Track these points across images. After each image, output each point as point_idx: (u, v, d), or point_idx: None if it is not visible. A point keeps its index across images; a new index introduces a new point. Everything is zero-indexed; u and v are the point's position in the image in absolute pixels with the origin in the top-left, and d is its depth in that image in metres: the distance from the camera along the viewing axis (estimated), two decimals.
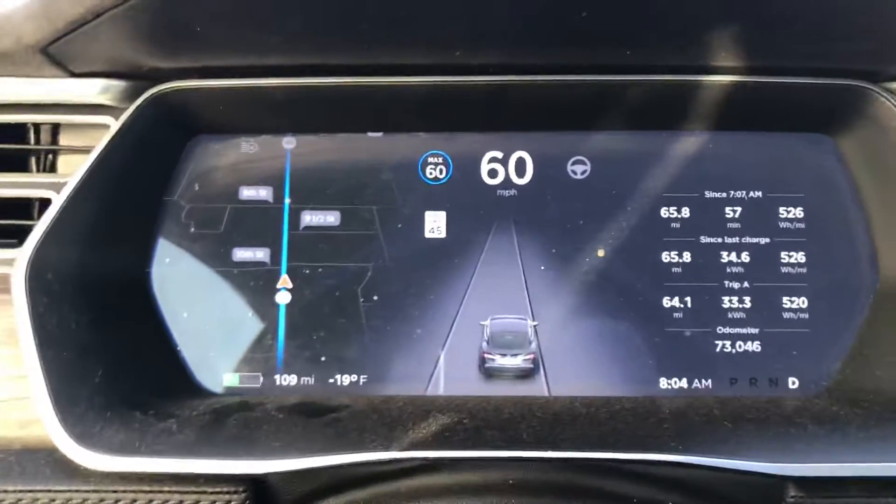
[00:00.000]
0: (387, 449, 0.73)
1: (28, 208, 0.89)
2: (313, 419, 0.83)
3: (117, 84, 0.89)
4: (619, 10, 0.74)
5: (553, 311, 0.94)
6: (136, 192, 0.92)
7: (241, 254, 0.96)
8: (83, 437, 0.75)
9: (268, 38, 0.80)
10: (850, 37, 0.77)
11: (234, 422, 0.82)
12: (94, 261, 0.87)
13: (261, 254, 0.96)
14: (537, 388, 0.93)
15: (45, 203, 0.85)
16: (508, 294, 0.95)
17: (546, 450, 0.74)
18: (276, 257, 0.96)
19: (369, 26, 0.77)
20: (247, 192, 0.97)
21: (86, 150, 0.87)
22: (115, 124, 0.87)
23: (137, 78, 0.89)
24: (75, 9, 0.67)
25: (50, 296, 0.81)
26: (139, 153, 0.90)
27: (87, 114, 0.91)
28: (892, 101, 0.85)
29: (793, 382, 0.92)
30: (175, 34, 0.78)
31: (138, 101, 0.88)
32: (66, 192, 0.83)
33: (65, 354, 0.80)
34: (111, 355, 0.85)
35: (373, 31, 0.78)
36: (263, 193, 0.97)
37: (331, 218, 0.96)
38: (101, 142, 0.86)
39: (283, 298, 0.95)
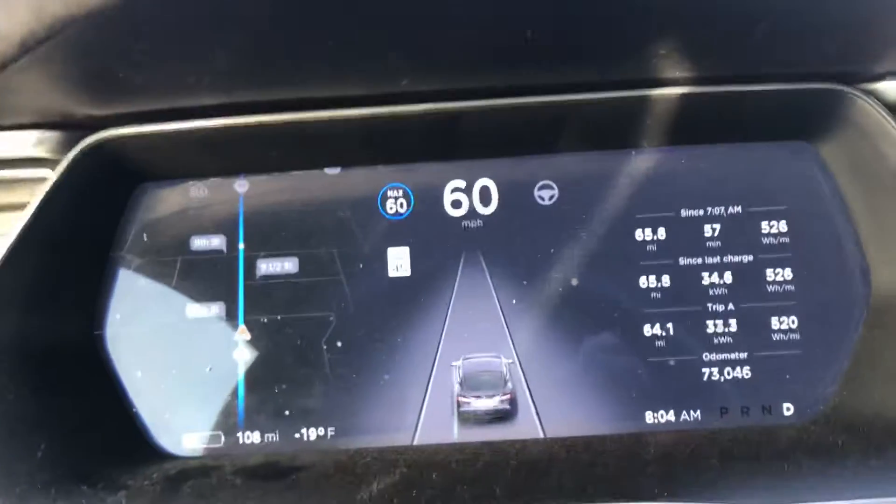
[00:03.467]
0: None
1: None
2: (272, 483, 0.78)
3: (52, 135, 0.83)
4: (573, 26, 0.69)
5: (534, 346, 0.89)
6: (79, 248, 0.87)
7: (195, 308, 0.90)
8: None
9: (200, 78, 0.75)
10: (818, 39, 0.72)
11: (188, 490, 0.77)
12: (35, 326, 0.82)
13: (216, 307, 0.90)
14: (525, 430, 0.88)
15: None
16: (487, 331, 0.90)
17: None
18: (232, 310, 0.90)
19: (305, 59, 0.72)
20: (198, 242, 0.91)
21: (24, 206, 0.83)
22: (52, 177, 0.82)
23: (73, 127, 0.84)
24: None
25: None
26: (80, 206, 0.85)
27: (24, 167, 0.86)
28: (871, 102, 0.79)
29: (787, 409, 0.86)
30: (96, 80, 0.73)
31: (73, 152, 0.82)
32: (0, 253, 0.78)
33: (1, 431, 0.74)
34: (57, 426, 0.80)
35: (310, 64, 0.73)
36: (216, 242, 0.91)
37: (288, 265, 0.91)
38: (36, 197, 0.81)
39: (241, 353, 0.90)
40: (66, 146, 0.84)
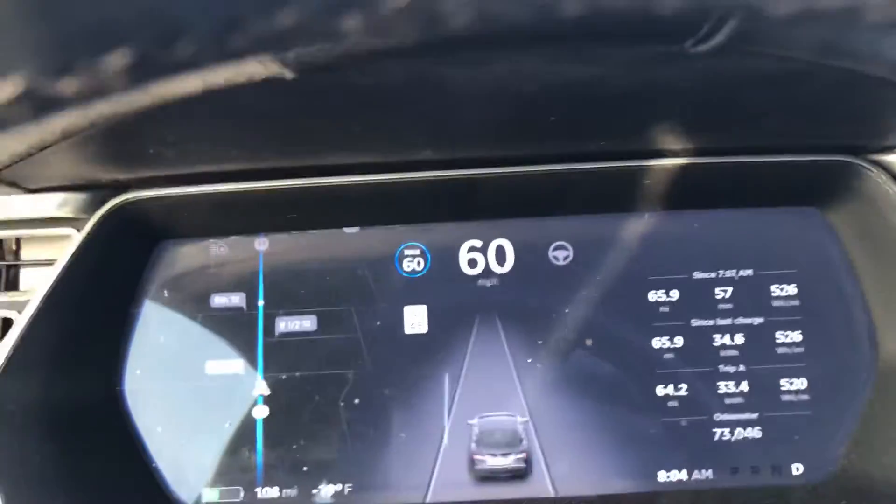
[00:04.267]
0: None
1: None
2: None
3: (76, 196, 0.85)
4: (591, 108, 0.71)
5: (547, 406, 0.90)
6: (101, 305, 0.89)
7: (215, 364, 0.92)
8: None
9: (225, 151, 0.76)
10: (827, 118, 0.74)
11: None
12: (60, 383, 0.83)
13: (235, 365, 0.92)
14: (537, 488, 0.89)
15: (8, 324, 0.82)
16: (501, 390, 0.91)
17: None
18: (251, 367, 0.92)
19: (329, 136, 0.74)
20: (218, 300, 0.93)
21: (49, 263, 0.84)
22: (76, 237, 0.84)
23: (97, 188, 0.85)
24: (18, 146, 0.64)
25: (11, 429, 0.77)
26: (103, 265, 0.87)
27: (48, 227, 0.87)
28: (879, 173, 0.82)
29: (797, 469, 0.88)
30: (128, 155, 0.74)
31: (99, 213, 0.84)
32: (28, 312, 0.80)
33: (26, 490, 0.76)
34: (80, 482, 0.81)
35: (334, 140, 0.75)
36: (236, 300, 0.93)
37: (307, 323, 0.92)
38: (62, 257, 0.82)
39: (260, 409, 0.91)
40: (90, 207, 0.85)
